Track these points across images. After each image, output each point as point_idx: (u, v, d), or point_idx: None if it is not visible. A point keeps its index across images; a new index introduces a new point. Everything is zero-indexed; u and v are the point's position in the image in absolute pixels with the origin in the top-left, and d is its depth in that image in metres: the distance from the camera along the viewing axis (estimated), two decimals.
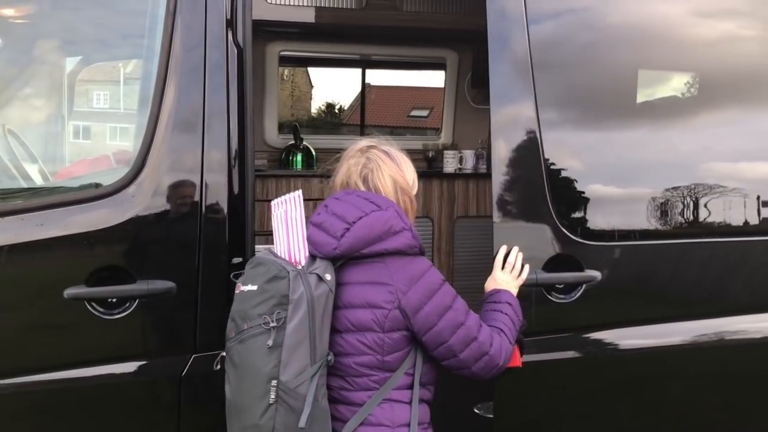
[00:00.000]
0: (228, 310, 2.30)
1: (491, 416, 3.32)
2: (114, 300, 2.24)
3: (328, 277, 1.84)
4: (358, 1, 4.25)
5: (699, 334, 2.63)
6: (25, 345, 2.21)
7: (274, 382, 1.76)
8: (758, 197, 2.68)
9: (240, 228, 2.37)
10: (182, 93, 2.28)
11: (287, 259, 1.87)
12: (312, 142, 4.42)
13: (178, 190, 2.28)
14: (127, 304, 2.25)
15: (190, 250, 2.30)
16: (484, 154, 4.57)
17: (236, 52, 2.35)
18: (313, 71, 5.17)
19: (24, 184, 2.47)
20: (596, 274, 2.44)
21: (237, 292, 1.89)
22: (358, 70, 4.90)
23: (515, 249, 2.29)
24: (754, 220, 2.69)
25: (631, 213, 2.56)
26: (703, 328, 2.63)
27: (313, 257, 1.89)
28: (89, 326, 2.22)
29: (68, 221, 2.21)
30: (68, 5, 2.52)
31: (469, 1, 4.36)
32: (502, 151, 2.41)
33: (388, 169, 2.00)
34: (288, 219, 1.90)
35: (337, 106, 5.19)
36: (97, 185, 2.34)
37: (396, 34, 4.47)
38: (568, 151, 2.50)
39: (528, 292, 2.33)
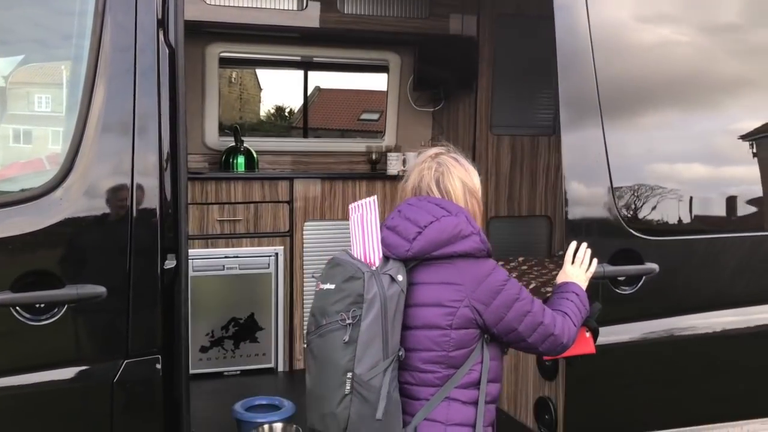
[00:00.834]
0: (160, 313, 2.29)
1: None
2: (42, 305, 2.19)
3: (400, 278, 1.96)
4: (299, 2, 4.25)
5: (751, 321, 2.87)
6: None
7: (349, 375, 1.89)
8: None
9: (173, 231, 2.35)
10: (111, 94, 2.24)
11: (362, 260, 1.99)
12: (253, 144, 4.40)
13: (107, 194, 2.24)
14: (56, 310, 2.20)
15: (121, 254, 2.26)
16: None
17: (168, 52, 2.33)
18: (261, 74, 5.13)
19: None
20: (655, 267, 2.64)
21: (317, 289, 2.02)
22: (307, 73, 4.89)
23: (584, 245, 2.41)
24: None
25: (686, 210, 2.81)
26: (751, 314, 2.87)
27: (386, 258, 2.00)
28: (16, 333, 2.16)
29: None
30: None
31: (411, 4, 4.41)
32: (571, 156, 2.60)
33: (458, 172, 2.13)
34: (364, 222, 2.02)
35: (287, 110, 5.17)
36: (24, 189, 2.28)
37: (337, 36, 4.48)
38: (630, 155, 2.72)
39: (596, 285, 2.48)
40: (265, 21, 4.18)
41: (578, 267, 2.35)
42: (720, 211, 2.90)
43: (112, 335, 2.28)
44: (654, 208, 2.74)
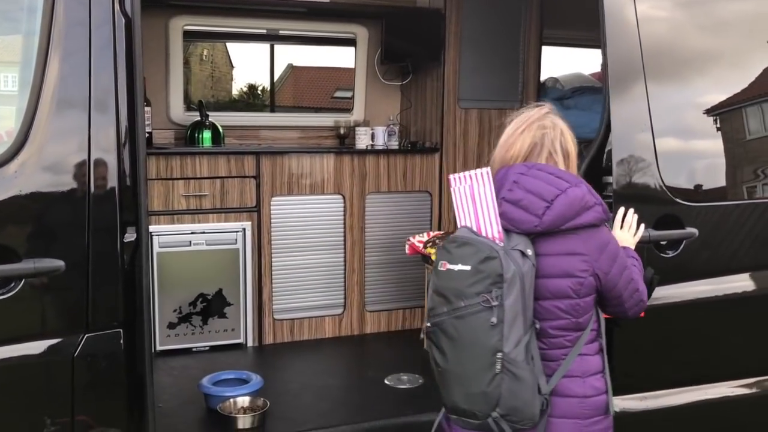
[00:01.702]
0: (121, 287, 2.27)
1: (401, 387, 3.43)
2: None
3: (529, 252, 1.98)
4: None
5: None
6: None
7: (499, 355, 1.91)
8: None
9: (133, 204, 2.33)
10: (66, 66, 2.20)
11: (479, 230, 1.99)
12: (219, 119, 4.34)
13: (64, 167, 2.21)
14: (13, 284, 2.17)
15: (79, 228, 2.23)
16: (395, 130, 4.60)
17: (124, 22, 2.28)
18: (233, 52, 5.06)
19: None
20: (694, 231, 2.78)
21: (443, 269, 1.98)
22: (274, 47, 4.83)
23: (631, 210, 2.46)
24: None
25: (724, 178, 2.93)
26: None
27: (507, 232, 1.99)
28: None
29: None
30: None
31: None
32: (619, 127, 2.67)
33: (568, 132, 2.16)
34: (476, 195, 1.98)
35: (259, 88, 5.11)
36: None
37: (303, 9, 4.43)
38: (673, 124, 2.83)
39: (641, 248, 2.52)
40: None
41: (627, 232, 2.41)
42: (755, 179, 3.03)
43: (71, 309, 2.26)
44: (695, 175, 2.88)
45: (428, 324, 2.03)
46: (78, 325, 2.26)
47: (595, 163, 2.76)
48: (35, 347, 2.22)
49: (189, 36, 4.40)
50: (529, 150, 2.12)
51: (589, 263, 2.03)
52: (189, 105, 4.49)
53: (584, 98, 4.48)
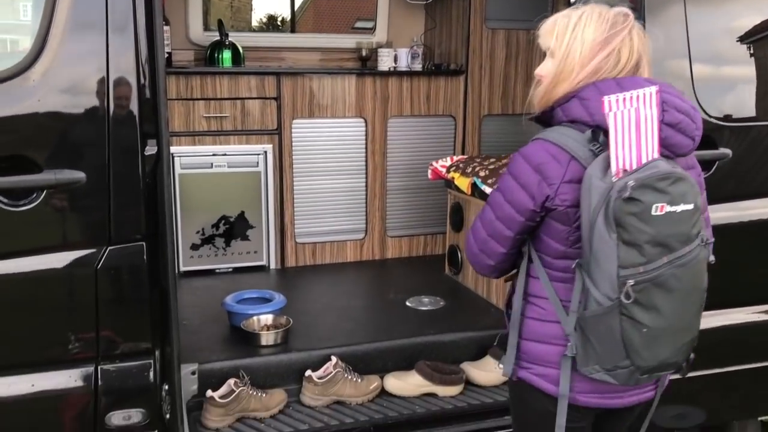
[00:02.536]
0: (142, 199, 2.25)
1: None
2: (19, 191, 2.15)
3: None
4: None
5: None
6: None
7: (705, 294, 1.79)
8: None
9: (152, 118, 2.30)
10: None
11: (639, 162, 1.68)
12: (239, 39, 4.24)
13: (82, 78, 2.17)
14: (34, 195, 2.17)
15: (99, 140, 2.20)
16: (419, 52, 4.47)
17: None
18: None
19: None
20: (728, 152, 2.74)
21: (660, 213, 1.64)
22: None
23: None
24: None
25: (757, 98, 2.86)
26: None
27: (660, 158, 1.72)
28: None
29: None
30: None
31: None
32: (655, 45, 2.49)
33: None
34: (641, 120, 1.68)
35: (279, 18, 4.98)
36: None
37: None
38: (710, 44, 2.75)
39: None
40: None
41: None
42: None
43: (93, 222, 2.25)
44: (729, 96, 2.83)
45: (631, 283, 1.65)
46: (100, 237, 2.26)
47: None
48: (57, 259, 2.22)
49: None
50: (632, 70, 1.82)
51: (701, 177, 1.93)
52: (208, 25, 4.38)
53: None
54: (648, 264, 1.66)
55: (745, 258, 2.89)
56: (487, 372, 3.07)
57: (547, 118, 1.91)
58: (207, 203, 4.00)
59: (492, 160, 3.72)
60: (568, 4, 4.40)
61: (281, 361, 2.94)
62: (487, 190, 3.40)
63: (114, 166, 2.23)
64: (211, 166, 3.97)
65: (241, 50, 4.20)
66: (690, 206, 1.67)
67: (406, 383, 2.96)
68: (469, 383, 3.05)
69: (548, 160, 1.77)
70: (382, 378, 2.98)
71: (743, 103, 2.87)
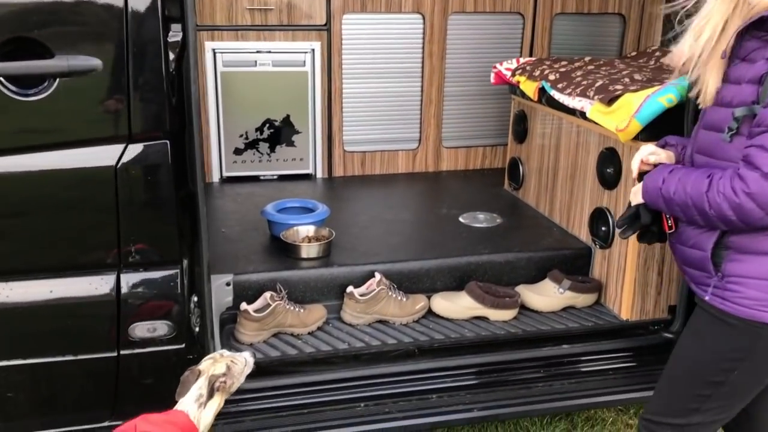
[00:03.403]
0: (165, 92, 2.01)
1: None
2: (28, 78, 1.92)
3: None
4: None
5: None
6: None
7: None
8: None
9: (178, 3, 2.03)
10: None
11: None
12: None
13: None
14: (46, 84, 1.94)
15: (117, 24, 1.94)
16: None
17: None
18: None
19: None
20: None
21: None
22: None
23: None
24: None
25: None
26: None
27: None
28: (1, 107, 1.92)
29: None
30: None
31: None
32: None
33: None
34: None
35: None
36: None
37: None
38: None
39: None
40: None
41: None
42: None
43: (111, 116, 2.03)
44: None
45: None
46: (119, 133, 2.03)
47: None
48: (73, 156, 2.02)
49: None
50: None
51: None
52: None
53: None
54: None
55: None
56: (545, 297, 2.80)
57: None
58: (250, 105, 3.75)
59: (563, 62, 3.33)
60: None
61: (321, 276, 2.73)
62: (557, 95, 3.03)
63: (133, 53, 1.98)
64: (255, 65, 3.69)
65: None
66: None
67: (455, 305, 2.73)
68: (523, 308, 2.80)
69: None
70: (429, 298, 2.76)
71: None
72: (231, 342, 2.55)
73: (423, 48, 3.90)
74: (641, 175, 1.99)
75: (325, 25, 3.71)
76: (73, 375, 2.21)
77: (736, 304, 1.77)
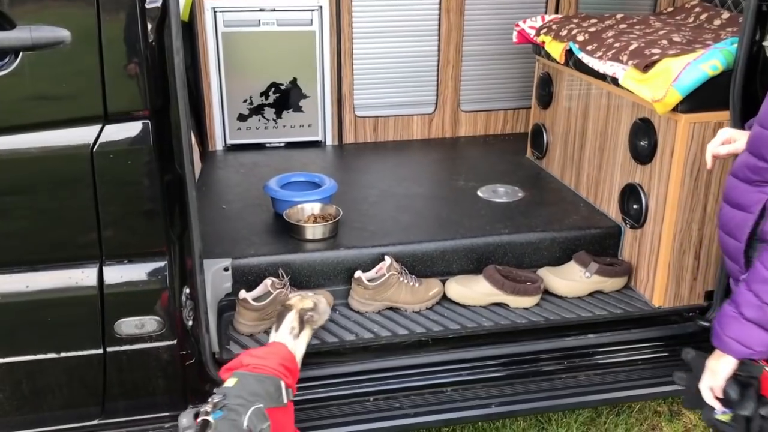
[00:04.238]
0: (144, 65, 1.79)
1: None
2: None
3: None
4: None
5: None
6: None
7: None
8: None
9: None
10: None
11: None
12: None
13: None
14: (8, 59, 1.72)
15: None
16: None
17: None
18: None
19: None
20: None
21: None
22: None
23: None
24: None
25: None
26: None
27: None
28: None
29: None
30: None
31: None
32: None
33: None
34: None
35: None
36: None
37: None
38: None
39: None
40: None
41: None
42: None
43: (83, 93, 1.81)
44: None
45: None
46: (93, 113, 1.82)
47: None
48: (41, 139, 1.81)
49: None
50: None
51: None
52: None
53: None
54: None
55: None
56: (570, 281, 2.58)
57: None
58: (254, 68, 3.51)
59: (592, 20, 3.03)
60: None
61: (327, 259, 2.53)
62: (586, 59, 2.75)
63: (105, 22, 1.75)
64: (259, 24, 3.43)
65: None
66: None
67: (472, 291, 2.52)
68: (546, 292, 2.59)
69: None
70: (443, 283, 2.55)
71: None
72: (230, 332, 2.37)
73: (440, 4, 3.60)
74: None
75: None
76: (57, 373, 2.04)
77: None
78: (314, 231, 2.61)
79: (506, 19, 3.61)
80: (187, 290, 2.12)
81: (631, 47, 2.54)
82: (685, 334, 2.54)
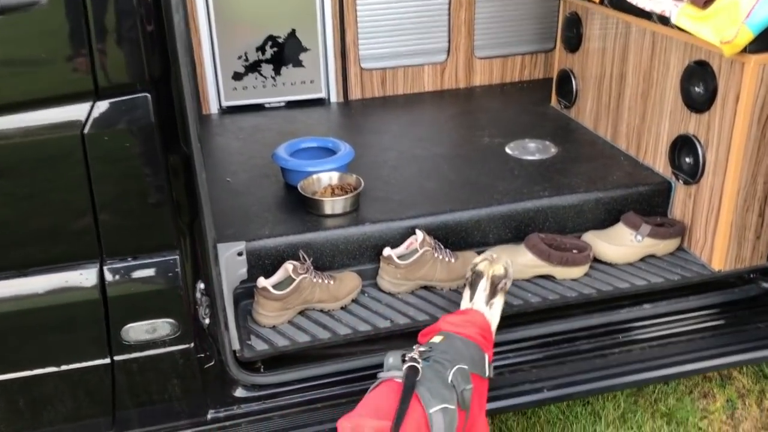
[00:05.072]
0: (139, 31, 1.48)
1: None
2: None
3: None
4: None
5: None
6: None
7: None
8: None
9: None
10: None
11: None
12: None
13: None
14: None
15: None
16: None
17: None
18: None
19: None
20: None
21: None
22: None
23: None
24: None
25: None
26: None
27: None
28: None
29: None
30: None
31: None
32: None
33: None
34: None
35: None
36: None
37: None
38: None
39: None
40: None
41: None
42: None
43: (69, 65, 1.50)
44: None
45: None
46: (81, 88, 1.51)
47: None
48: (22, 122, 1.51)
49: None
50: None
51: None
52: None
53: None
54: None
55: None
56: (620, 246, 2.34)
57: None
58: (249, 20, 3.16)
59: None
60: None
61: (351, 236, 2.26)
62: None
63: None
64: None
65: None
66: None
67: (514, 263, 2.26)
68: (595, 260, 2.35)
69: None
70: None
71: None
72: (249, 325, 2.11)
73: None
74: None
75: None
76: (60, 387, 1.79)
77: None
78: (334, 205, 2.33)
79: None
80: (202, 285, 1.85)
81: None
82: (747, 299, 2.33)
